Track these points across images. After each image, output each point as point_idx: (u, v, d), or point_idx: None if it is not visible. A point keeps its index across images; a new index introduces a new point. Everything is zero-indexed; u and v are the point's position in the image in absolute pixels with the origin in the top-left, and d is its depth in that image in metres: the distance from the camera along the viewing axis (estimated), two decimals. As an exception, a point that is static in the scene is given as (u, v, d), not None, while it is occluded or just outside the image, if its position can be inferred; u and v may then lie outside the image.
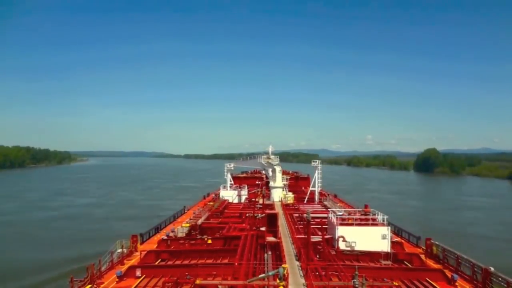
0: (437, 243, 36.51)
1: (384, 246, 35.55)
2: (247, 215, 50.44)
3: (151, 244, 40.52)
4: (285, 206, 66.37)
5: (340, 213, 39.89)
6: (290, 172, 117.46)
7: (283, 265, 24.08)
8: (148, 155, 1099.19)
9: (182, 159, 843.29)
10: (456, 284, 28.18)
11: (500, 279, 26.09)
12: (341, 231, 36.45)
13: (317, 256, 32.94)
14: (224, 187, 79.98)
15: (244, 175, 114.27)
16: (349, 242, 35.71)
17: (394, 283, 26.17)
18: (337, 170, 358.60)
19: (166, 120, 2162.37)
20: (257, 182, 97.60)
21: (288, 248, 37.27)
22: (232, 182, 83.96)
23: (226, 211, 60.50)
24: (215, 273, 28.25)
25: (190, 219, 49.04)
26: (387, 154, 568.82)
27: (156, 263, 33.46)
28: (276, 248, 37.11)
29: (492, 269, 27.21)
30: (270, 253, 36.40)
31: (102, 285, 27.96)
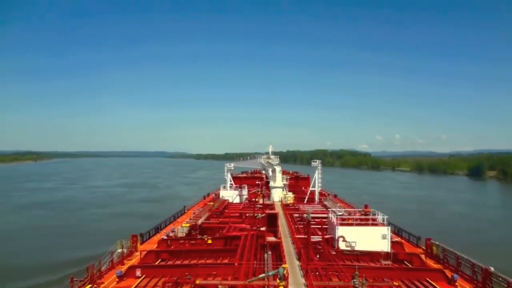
0: (437, 243, 36.47)
1: (384, 246, 35.53)
2: (247, 215, 50.53)
3: (151, 244, 40.52)
4: (285, 206, 66.39)
5: (340, 213, 39.87)
6: (290, 172, 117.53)
7: (283, 265, 24.07)
8: (167, 155, 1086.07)
9: (193, 160, 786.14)
10: (456, 284, 28.15)
11: (500, 279, 26.07)
12: (341, 231, 36.46)
13: (317, 256, 32.93)
14: (224, 187, 79.99)
15: (244, 175, 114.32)
16: (349, 242, 35.72)
17: (394, 283, 26.19)
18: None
19: (186, 121, 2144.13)
20: (257, 182, 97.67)
21: (288, 248, 37.27)
22: (232, 182, 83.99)
23: (226, 211, 60.56)
24: (215, 273, 28.27)
25: (190, 219, 49.05)
26: (418, 155, 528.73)
27: (156, 263, 33.46)
28: (276, 248, 37.11)
29: (492, 269, 27.19)
30: (270, 253, 36.40)
31: (102, 285, 27.97)
